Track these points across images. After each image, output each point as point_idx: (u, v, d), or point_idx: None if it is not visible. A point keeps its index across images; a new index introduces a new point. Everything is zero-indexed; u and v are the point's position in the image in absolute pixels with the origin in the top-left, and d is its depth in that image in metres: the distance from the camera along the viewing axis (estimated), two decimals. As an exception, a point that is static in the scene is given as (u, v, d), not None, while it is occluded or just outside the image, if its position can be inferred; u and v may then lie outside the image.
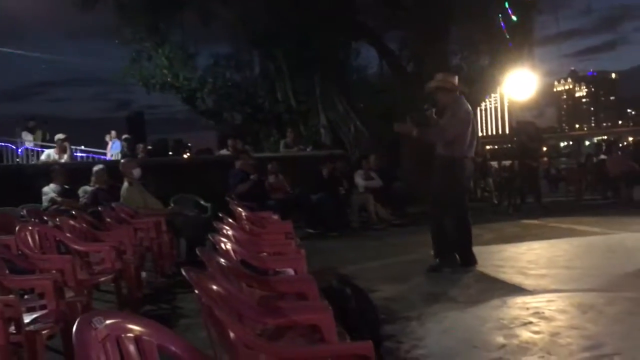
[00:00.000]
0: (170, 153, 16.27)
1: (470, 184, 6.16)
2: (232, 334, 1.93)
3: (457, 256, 5.97)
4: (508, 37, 13.39)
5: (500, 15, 13.50)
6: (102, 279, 4.68)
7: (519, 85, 12.45)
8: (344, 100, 13.93)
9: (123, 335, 1.41)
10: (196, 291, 1.97)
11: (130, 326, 1.44)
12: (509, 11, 13.34)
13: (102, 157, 13.50)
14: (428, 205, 6.66)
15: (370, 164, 11.04)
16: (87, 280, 4.42)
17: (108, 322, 1.37)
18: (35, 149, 14.53)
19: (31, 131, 14.74)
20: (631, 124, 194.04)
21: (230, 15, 14.89)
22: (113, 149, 14.31)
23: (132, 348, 1.43)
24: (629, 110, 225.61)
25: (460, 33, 14.82)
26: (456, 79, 6.13)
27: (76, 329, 1.27)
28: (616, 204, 12.43)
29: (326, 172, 10.50)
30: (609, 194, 13.93)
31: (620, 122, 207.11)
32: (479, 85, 13.92)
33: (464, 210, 6.04)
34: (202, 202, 9.51)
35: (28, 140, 14.84)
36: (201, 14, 15.20)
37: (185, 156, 16.41)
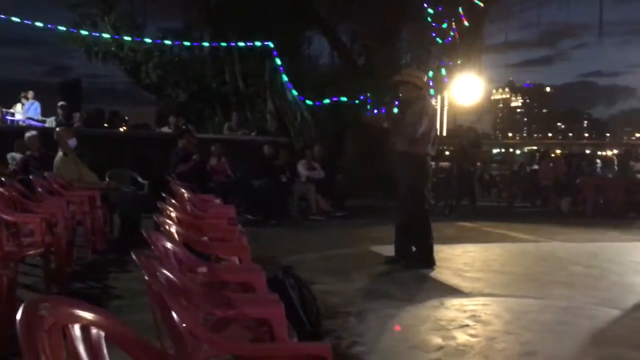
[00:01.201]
0: (106, 125, 15.64)
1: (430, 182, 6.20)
2: (181, 323, 1.83)
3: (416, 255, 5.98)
4: (459, 41, 13.62)
5: (453, 19, 13.71)
6: (31, 252, 4.43)
7: (464, 90, 12.67)
8: (292, 88, 13.80)
9: (70, 325, 1.29)
10: (145, 277, 1.86)
11: (79, 315, 1.32)
12: (462, 17, 13.57)
13: (36, 123, 12.73)
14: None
15: (314, 154, 11.01)
16: (14, 252, 4.15)
17: (55, 309, 1.24)
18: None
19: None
20: (560, 137, 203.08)
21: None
22: (30, 112, 13.25)
23: (79, 338, 1.31)
24: (559, 124, 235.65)
25: (411, 32, 14.97)
26: (425, 77, 6.19)
27: (21, 316, 1.15)
28: (545, 212, 12.93)
29: (267, 150, 10.39)
30: (538, 202, 14.49)
31: (550, 134, 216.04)
32: (426, 86, 14.08)
33: (426, 209, 6.10)
34: (139, 179, 9.22)
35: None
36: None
37: (121, 129, 15.79)
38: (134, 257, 1.90)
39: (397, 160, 6.10)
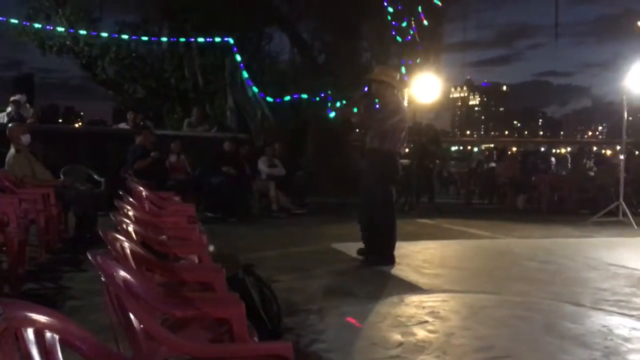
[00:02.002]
0: (60, 121, 15.24)
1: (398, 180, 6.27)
2: (138, 324, 1.80)
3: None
4: (418, 40, 13.77)
5: (412, 18, 13.85)
6: (-19, 252, 4.28)
7: (423, 88, 12.81)
8: (253, 85, 13.71)
9: (23, 329, 1.25)
10: (102, 278, 1.81)
11: (32, 318, 1.28)
12: (421, 15, 13.72)
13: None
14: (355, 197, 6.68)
15: (275, 151, 10.98)
16: (-37, 252, 4.01)
17: (7, 312, 1.20)
18: None
19: None
20: (516, 135, 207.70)
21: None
22: None
23: (32, 342, 1.27)
24: (515, 122, 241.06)
25: (371, 31, 15.05)
26: (398, 76, 6.26)
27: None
28: (501, 209, 13.21)
29: (228, 145, 10.31)
30: (495, 199, 14.79)
31: (506, 132, 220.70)
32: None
33: (393, 207, 6.17)
34: (95, 176, 9.02)
35: None
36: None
37: (76, 125, 15.43)
38: (89, 256, 1.85)
39: (366, 157, 6.17)
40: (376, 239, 6.07)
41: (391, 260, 5.95)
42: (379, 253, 6.01)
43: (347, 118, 6.46)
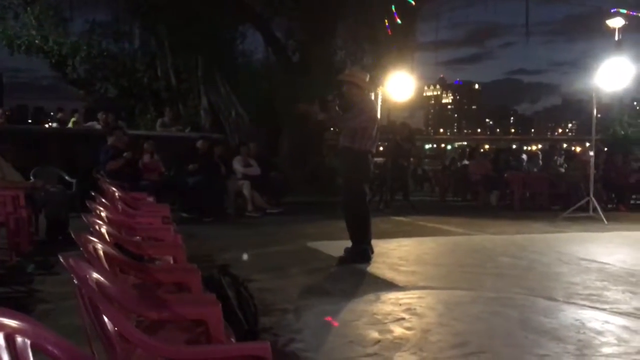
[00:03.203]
0: (30, 121, 14.97)
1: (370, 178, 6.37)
2: (112, 327, 1.76)
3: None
4: (392, 38, 13.83)
5: (386, 17, 13.90)
6: (-52, 256, 4.17)
7: (397, 87, 12.86)
8: (226, 84, 13.63)
9: (-8, 333, 1.21)
10: (75, 280, 1.77)
11: (2, 323, 1.24)
12: (395, 14, 13.78)
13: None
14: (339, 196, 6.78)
15: (250, 151, 10.92)
16: None
17: (-24, 317, 1.16)
18: None
19: None
20: (489, 132, 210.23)
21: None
22: None
23: (3, 347, 1.24)
24: (487, 120, 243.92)
25: (346, 30, 15.08)
26: (367, 77, 6.34)
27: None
28: (475, 206, 13.35)
29: (201, 144, 10.23)
30: (468, 196, 14.94)
31: (479, 130, 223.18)
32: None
33: (367, 205, 6.23)
34: (66, 177, 8.88)
35: None
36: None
37: (46, 126, 15.16)
38: (61, 259, 1.81)
39: (339, 156, 6.32)
40: (351, 237, 6.09)
41: (365, 259, 5.98)
42: (353, 252, 6.03)
43: (308, 115, 6.58)
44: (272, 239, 7.65)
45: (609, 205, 12.36)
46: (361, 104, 6.13)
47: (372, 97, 6.32)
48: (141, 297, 2.19)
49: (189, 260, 3.43)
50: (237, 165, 10.55)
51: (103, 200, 4.37)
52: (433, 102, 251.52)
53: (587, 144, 15.54)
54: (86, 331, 1.90)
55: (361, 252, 6.02)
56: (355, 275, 5.46)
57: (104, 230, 3.24)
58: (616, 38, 17.34)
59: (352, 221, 6.09)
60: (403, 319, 4.01)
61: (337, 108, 6.42)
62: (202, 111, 14.09)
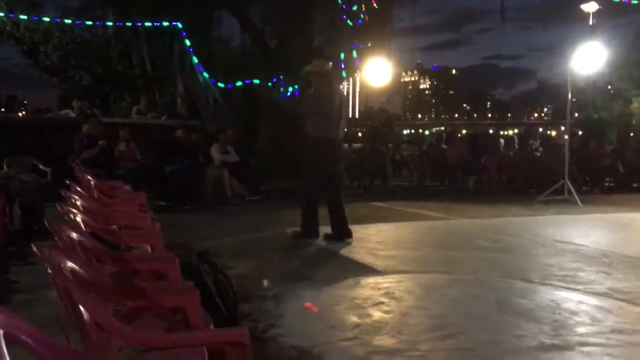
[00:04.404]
0: (3, 110, 14.70)
1: (336, 164, 6.48)
2: (88, 316, 1.74)
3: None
4: (369, 24, 13.78)
5: (362, 2, 13.84)
6: None
7: (375, 72, 12.87)
8: (203, 71, 13.47)
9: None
10: (49, 270, 1.75)
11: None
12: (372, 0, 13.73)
13: None
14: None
15: (228, 138, 10.84)
16: None
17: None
18: None
19: None
20: (466, 117, 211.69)
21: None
22: None
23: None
24: (464, 105, 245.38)
25: (323, 15, 14.97)
26: (329, 65, 6.58)
27: None
28: (453, 190, 13.46)
29: (180, 133, 10.14)
30: (446, 181, 15.05)
31: (456, 115, 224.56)
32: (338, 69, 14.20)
33: (315, 191, 6.45)
34: (40, 166, 8.75)
35: None
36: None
37: (20, 114, 14.89)
38: (34, 248, 1.78)
39: (305, 143, 6.54)
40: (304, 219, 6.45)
41: (313, 235, 6.35)
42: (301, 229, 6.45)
43: (270, 100, 6.85)
44: (251, 226, 7.63)
45: (584, 188, 12.55)
46: (317, 91, 6.38)
47: (338, 86, 6.51)
48: (117, 285, 2.17)
49: (167, 248, 3.41)
50: (215, 152, 10.48)
51: (78, 188, 4.31)
52: (411, 87, 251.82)
53: (562, 128, 15.73)
54: (62, 321, 1.88)
55: (309, 230, 6.38)
56: (334, 261, 5.48)
57: (79, 219, 3.20)
58: (590, 23, 17.53)
59: (303, 203, 6.49)
60: (382, 302, 4.04)
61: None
62: (179, 98, 13.94)
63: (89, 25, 14.10)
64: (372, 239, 6.63)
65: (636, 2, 16.71)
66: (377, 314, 3.78)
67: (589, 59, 10.25)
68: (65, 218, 3.04)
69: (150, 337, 1.70)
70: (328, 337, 3.40)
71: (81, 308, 1.75)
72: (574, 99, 12.02)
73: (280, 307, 3.96)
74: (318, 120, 6.22)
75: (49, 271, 1.75)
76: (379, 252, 5.88)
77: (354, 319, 3.69)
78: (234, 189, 10.18)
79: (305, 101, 6.41)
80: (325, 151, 6.29)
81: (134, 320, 2.25)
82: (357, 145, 15.30)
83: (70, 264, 1.91)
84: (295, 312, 3.88)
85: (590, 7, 17.42)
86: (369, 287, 4.49)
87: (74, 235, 2.50)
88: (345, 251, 5.88)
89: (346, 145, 14.98)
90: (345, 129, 6.82)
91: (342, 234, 6.34)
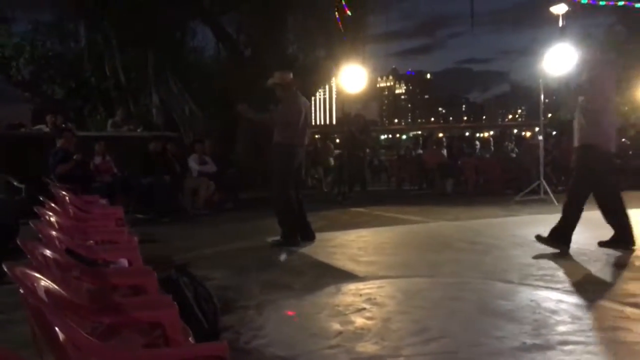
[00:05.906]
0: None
1: (302, 170, 6.76)
2: (62, 337, 1.71)
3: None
4: (342, 31, 13.85)
5: (336, 9, 13.91)
6: None
7: (350, 79, 12.92)
8: (178, 81, 13.40)
9: None
10: (21, 290, 1.71)
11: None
12: (344, 6, 13.80)
13: None
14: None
15: (205, 148, 10.79)
16: None
17: None
18: None
19: None
20: (442, 121, 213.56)
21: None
22: None
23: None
24: (440, 109, 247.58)
25: (297, 23, 15.02)
26: (290, 75, 6.78)
27: None
28: (431, 194, 13.55)
29: (153, 146, 10.05)
30: (424, 184, 15.15)
31: (432, 119, 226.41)
32: (314, 76, 14.25)
33: (289, 193, 6.59)
34: (15, 183, 8.60)
35: None
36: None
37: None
38: (4, 268, 1.74)
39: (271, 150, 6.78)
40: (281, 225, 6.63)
41: (294, 242, 6.49)
42: (282, 236, 6.59)
43: (247, 116, 7.15)
44: (231, 236, 7.58)
45: (559, 188, 12.71)
46: (286, 100, 6.66)
47: (300, 94, 6.80)
48: (94, 302, 2.13)
49: (146, 262, 3.36)
50: (193, 163, 10.42)
51: (53, 205, 4.24)
52: (386, 92, 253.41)
53: (537, 129, 15.94)
54: (35, 342, 1.84)
55: (289, 238, 6.54)
56: (315, 268, 5.46)
57: (54, 235, 3.15)
58: (560, 24, 17.81)
59: (277, 212, 6.67)
60: (364, 309, 4.03)
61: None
62: (154, 109, 13.84)
63: (61, 39, 13.95)
64: (352, 245, 6.64)
65: (603, 3, 17.05)
66: (359, 321, 3.77)
67: (559, 60, 10.39)
68: (40, 235, 2.99)
69: (127, 355, 1.67)
70: (311, 345, 3.38)
71: (56, 328, 1.71)
72: (546, 100, 12.18)
73: (262, 317, 3.93)
74: (288, 128, 6.52)
75: (21, 291, 1.72)
76: (360, 258, 5.88)
77: (337, 326, 3.68)
78: (213, 198, 10.13)
79: (277, 115, 6.62)
80: (293, 157, 6.58)
81: (113, 337, 2.21)
82: (335, 152, 15.31)
83: (44, 282, 1.87)
84: (277, 322, 3.85)
85: (559, 9, 17.70)
86: (351, 293, 4.48)
87: (48, 252, 2.45)
88: (325, 258, 5.87)
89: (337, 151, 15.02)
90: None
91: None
